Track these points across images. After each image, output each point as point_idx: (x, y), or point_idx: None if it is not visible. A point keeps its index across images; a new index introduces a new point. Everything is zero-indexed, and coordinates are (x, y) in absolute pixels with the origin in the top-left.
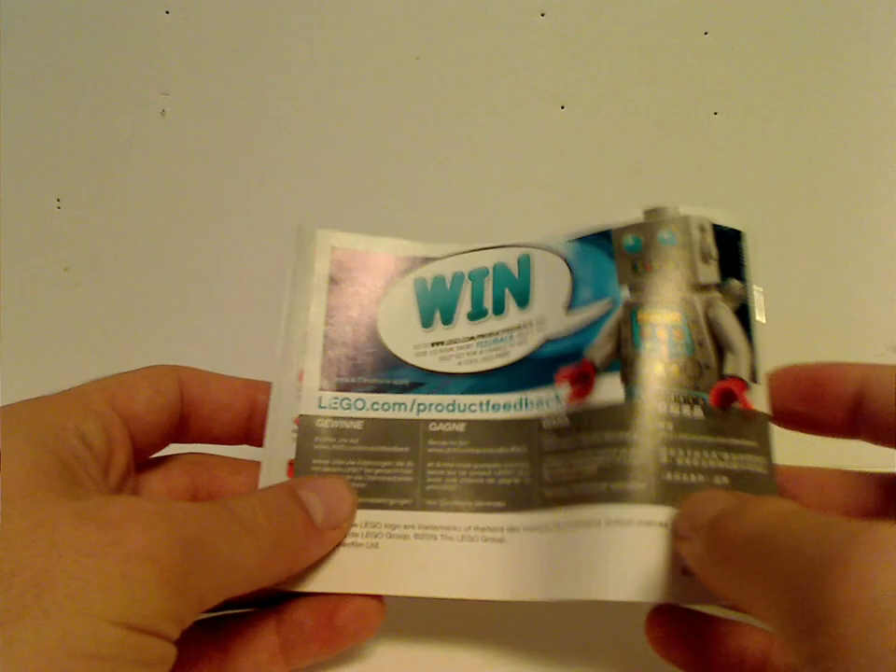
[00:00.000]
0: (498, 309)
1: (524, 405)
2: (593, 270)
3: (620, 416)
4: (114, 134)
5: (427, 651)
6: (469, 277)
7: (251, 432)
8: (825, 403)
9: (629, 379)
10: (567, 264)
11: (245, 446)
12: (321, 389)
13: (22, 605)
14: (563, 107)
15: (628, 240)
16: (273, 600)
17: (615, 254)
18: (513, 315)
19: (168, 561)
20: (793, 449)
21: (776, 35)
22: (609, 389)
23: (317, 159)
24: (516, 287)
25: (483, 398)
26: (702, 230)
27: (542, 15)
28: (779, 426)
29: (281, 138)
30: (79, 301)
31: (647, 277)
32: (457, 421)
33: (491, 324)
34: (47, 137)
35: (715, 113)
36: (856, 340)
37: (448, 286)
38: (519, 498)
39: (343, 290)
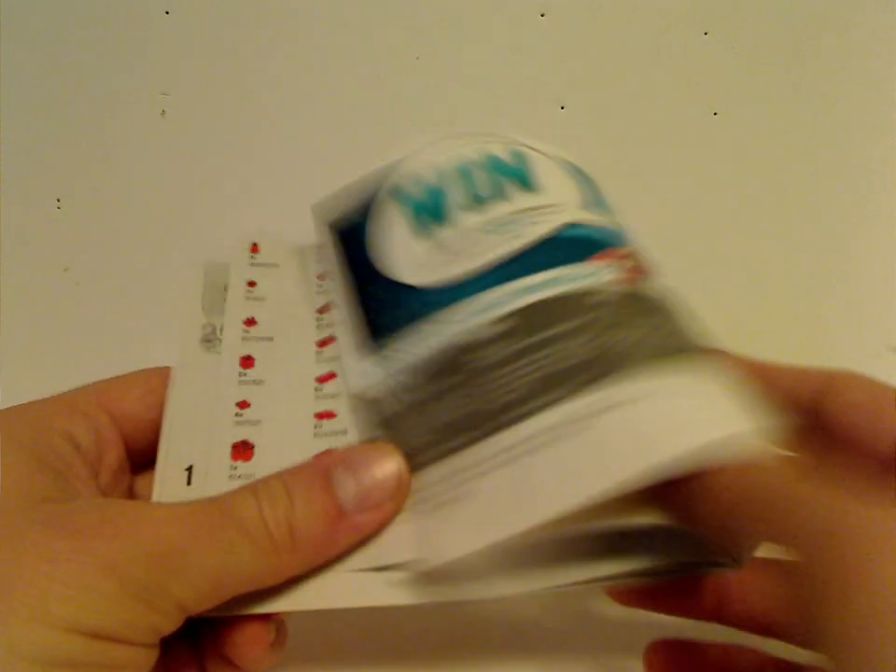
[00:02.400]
0: (498, 193)
1: (563, 281)
2: (595, 195)
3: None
4: (114, 134)
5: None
6: (456, 168)
7: None
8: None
9: None
10: (569, 173)
11: None
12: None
13: None
14: (563, 108)
15: None
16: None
17: None
18: (520, 198)
19: (132, 573)
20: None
21: (776, 35)
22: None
23: (317, 159)
24: (515, 174)
25: (518, 283)
26: None
27: (542, 15)
28: None
29: (281, 138)
30: (79, 301)
31: None
32: (498, 320)
33: (496, 210)
34: (47, 137)
35: (715, 113)
36: (856, 340)
37: (432, 181)
38: (586, 375)
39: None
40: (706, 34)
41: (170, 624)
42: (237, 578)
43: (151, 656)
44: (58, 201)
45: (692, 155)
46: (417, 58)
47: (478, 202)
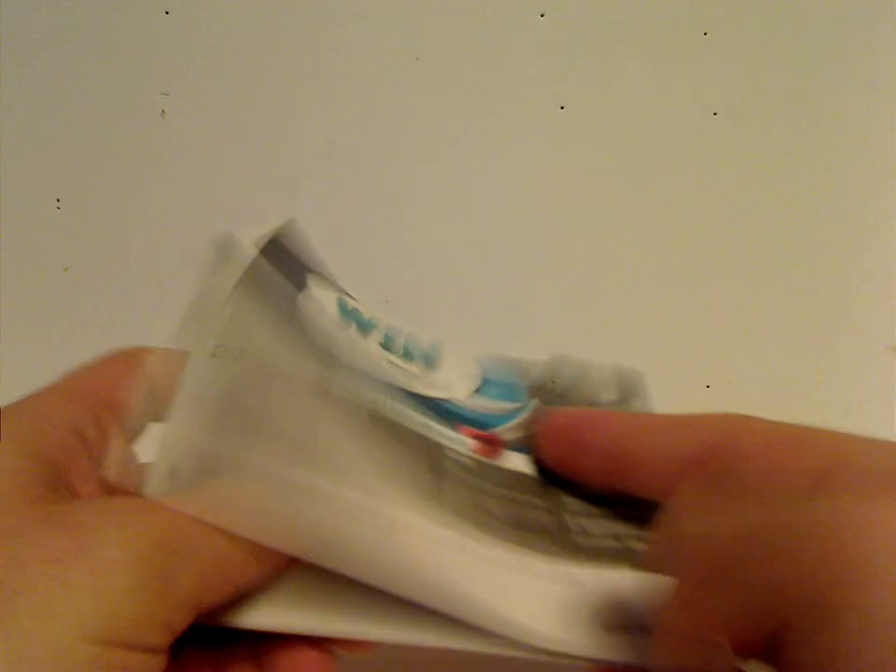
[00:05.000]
0: (407, 356)
1: (428, 428)
2: (503, 379)
3: (531, 485)
4: (114, 134)
5: None
6: (381, 325)
7: None
8: (583, 452)
9: (538, 463)
10: (478, 364)
11: None
12: None
13: None
14: (563, 108)
15: (535, 370)
16: None
17: (523, 377)
18: (420, 368)
19: (144, 565)
20: None
21: (776, 34)
22: (519, 463)
23: (317, 160)
24: (426, 354)
25: (391, 402)
26: (601, 369)
27: (542, 15)
28: (548, 468)
29: (281, 139)
30: (79, 300)
31: (554, 394)
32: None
33: (399, 361)
34: (47, 137)
35: (715, 113)
36: (855, 340)
37: (363, 317)
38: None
39: None
40: (705, 34)
41: (182, 620)
42: (243, 561)
43: (161, 663)
44: (58, 201)
45: (691, 155)
46: (417, 58)
47: (389, 347)
